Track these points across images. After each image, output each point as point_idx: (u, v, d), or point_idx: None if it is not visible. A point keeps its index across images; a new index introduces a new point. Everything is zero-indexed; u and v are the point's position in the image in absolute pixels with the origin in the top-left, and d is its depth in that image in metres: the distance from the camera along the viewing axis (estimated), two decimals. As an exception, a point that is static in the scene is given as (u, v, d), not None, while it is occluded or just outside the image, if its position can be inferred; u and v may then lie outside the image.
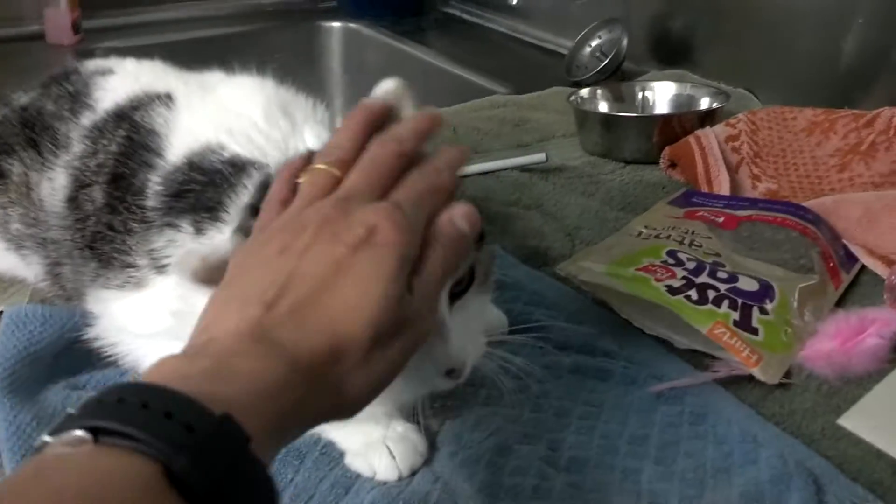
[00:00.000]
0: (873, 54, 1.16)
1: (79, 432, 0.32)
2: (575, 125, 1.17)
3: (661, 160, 1.05)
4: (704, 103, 1.16)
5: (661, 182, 1.04)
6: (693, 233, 0.84)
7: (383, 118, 0.51)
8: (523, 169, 1.06)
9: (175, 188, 0.58)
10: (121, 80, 0.72)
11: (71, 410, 0.34)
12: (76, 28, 1.62)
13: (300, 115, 0.63)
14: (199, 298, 0.45)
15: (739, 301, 0.71)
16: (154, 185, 0.60)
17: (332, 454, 0.59)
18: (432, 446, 0.60)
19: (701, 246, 0.81)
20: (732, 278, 0.74)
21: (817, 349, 0.68)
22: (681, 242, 0.82)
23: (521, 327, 0.60)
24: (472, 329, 0.52)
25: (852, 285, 0.81)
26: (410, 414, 0.60)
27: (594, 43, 1.46)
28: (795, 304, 0.72)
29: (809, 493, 0.55)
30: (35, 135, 0.70)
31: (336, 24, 1.83)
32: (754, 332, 0.68)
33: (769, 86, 1.29)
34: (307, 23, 1.85)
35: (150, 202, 0.59)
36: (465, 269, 0.50)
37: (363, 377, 0.41)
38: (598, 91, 1.22)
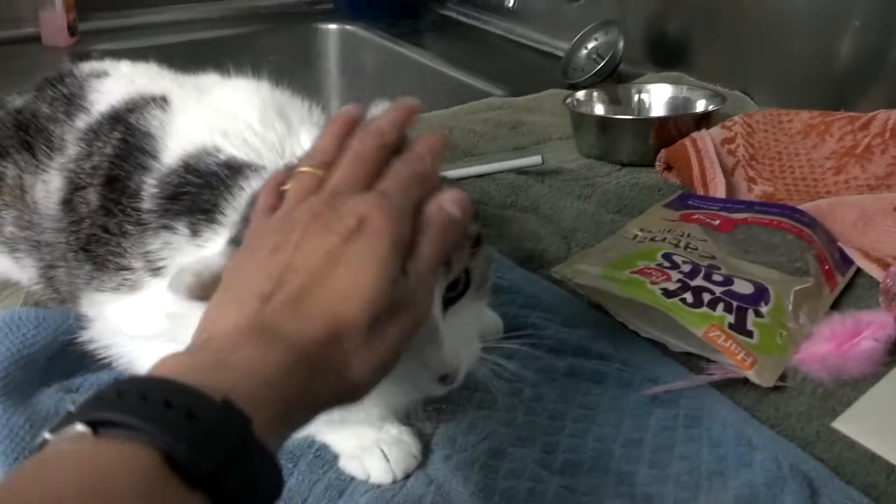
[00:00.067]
0: (869, 57, 1.16)
1: (79, 427, 0.32)
2: (571, 128, 1.17)
3: (657, 163, 1.05)
4: (700, 106, 1.16)
5: (657, 185, 1.04)
6: (689, 235, 0.84)
7: (362, 121, 0.51)
8: (519, 171, 1.06)
9: (170, 190, 0.58)
10: (116, 83, 0.72)
11: (71, 408, 0.34)
12: (72, 30, 1.61)
13: (296, 118, 0.63)
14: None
15: (734, 304, 0.71)
16: (149, 187, 0.60)
17: (326, 457, 0.59)
18: (426, 449, 0.60)
19: (696, 249, 0.81)
20: (728, 281, 0.74)
21: (812, 352, 0.69)
22: (676, 245, 0.82)
23: (515, 334, 0.60)
24: (466, 334, 0.52)
25: (847, 288, 0.81)
26: (405, 417, 0.60)
27: (590, 45, 1.47)
28: (790, 306, 0.73)
29: (804, 496, 0.55)
30: (29, 137, 0.70)
31: (332, 27, 1.83)
32: (749, 335, 0.68)
33: (765, 88, 1.29)
34: (303, 25, 1.85)
35: (146, 204, 0.59)
36: (459, 269, 0.50)
37: (365, 360, 0.41)
38: (595, 93, 1.22)
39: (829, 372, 0.67)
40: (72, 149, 0.67)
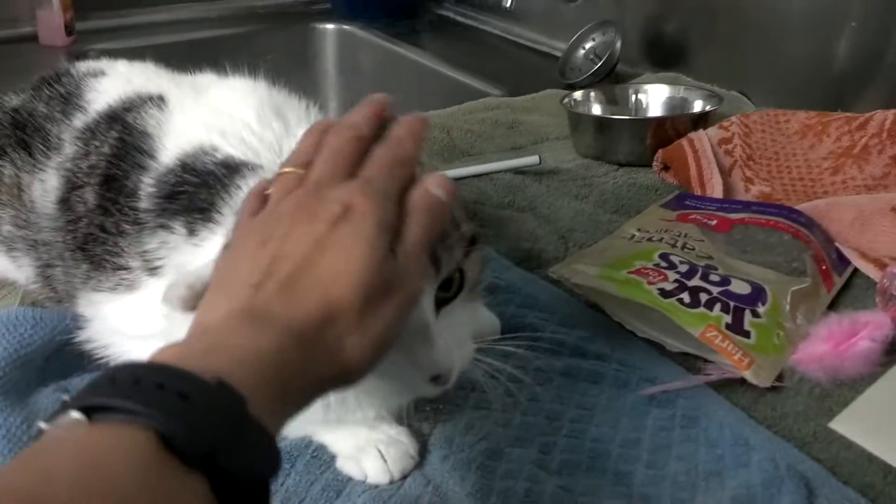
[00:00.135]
0: (866, 57, 1.16)
1: (74, 414, 0.32)
2: (568, 128, 1.17)
3: (655, 163, 1.05)
4: (698, 106, 1.16)
5: (655, 185, 1.04)
6: (686, 235, 0.84)
7: None
8: (517, 171, 1.06)
9: (168, 190, 0.58)
10: (113, 82, 0.72)
11: (65, 397, 0.34)
12: (69, 30, 1.61)
13: (293, 117, 0.63)
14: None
15: (731, 304, 0.71)
16: (146, 186, 0.60)
17: (323, 457, 0.59)
18: (424, 450, 0.60)
19: (693, 249, 0.81)
20: (725, 281, 0.74)
21: (809, 352, 0.69)
22: (673, 245, 0.82)
23: (512, 335, 0.60)
24: (460, 335, 0.52)
25: (844, 288, 0.81)
26: (401, 417, 0.60)
27: (588, 45, 1.46)
28: (788, 307, 0.73)
29: (801, 496, 0.55)
30: (26, 136, 0.70)
31: (330, 26, 1.83)
32: (746, 335, 0.68)
33: (762, 89, 1.29)
34: (300, 24, 1.85)
35: (143, 204, 0.59)
36: (451, 268, 0.50)
37: (361, 339, 0.41)
38: (592, 93, 1.22)
39: (826, 372, 0.67)
40: (69, 148, 0.67)
